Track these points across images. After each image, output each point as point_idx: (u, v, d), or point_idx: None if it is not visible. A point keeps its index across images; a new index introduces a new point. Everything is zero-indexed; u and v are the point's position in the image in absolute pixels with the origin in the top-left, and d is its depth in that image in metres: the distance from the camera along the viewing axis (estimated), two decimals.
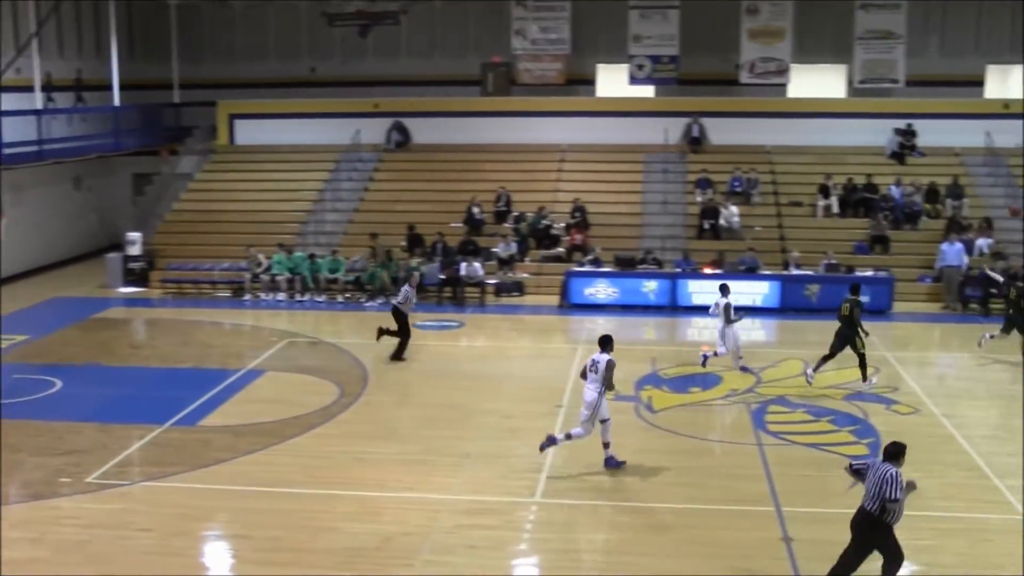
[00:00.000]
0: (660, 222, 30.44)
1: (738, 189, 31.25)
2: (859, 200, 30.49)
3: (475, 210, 30.57)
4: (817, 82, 35.04)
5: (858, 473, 11.02)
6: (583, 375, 15.14)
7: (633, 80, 34.56)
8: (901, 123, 32.58)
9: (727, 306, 20.31)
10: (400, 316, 21.75)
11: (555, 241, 29.91)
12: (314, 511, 13.62)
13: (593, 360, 14.92)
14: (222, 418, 17.77)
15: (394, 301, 22.34)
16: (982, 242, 28.43)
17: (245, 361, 21.66)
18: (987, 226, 29.08)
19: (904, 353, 21.30)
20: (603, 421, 14.98)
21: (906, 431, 16.94)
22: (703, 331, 25.52)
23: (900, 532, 12.45)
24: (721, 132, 33.65)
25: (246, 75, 36.61)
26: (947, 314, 26.48)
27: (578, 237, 29.63)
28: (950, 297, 27.09)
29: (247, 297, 28.51)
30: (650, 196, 31.55)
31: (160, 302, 28.53)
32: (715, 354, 20.52)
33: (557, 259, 29.30)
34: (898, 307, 26.03)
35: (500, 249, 29.23)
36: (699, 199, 31.03)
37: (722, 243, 29.37)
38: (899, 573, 11.05)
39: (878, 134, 32.69)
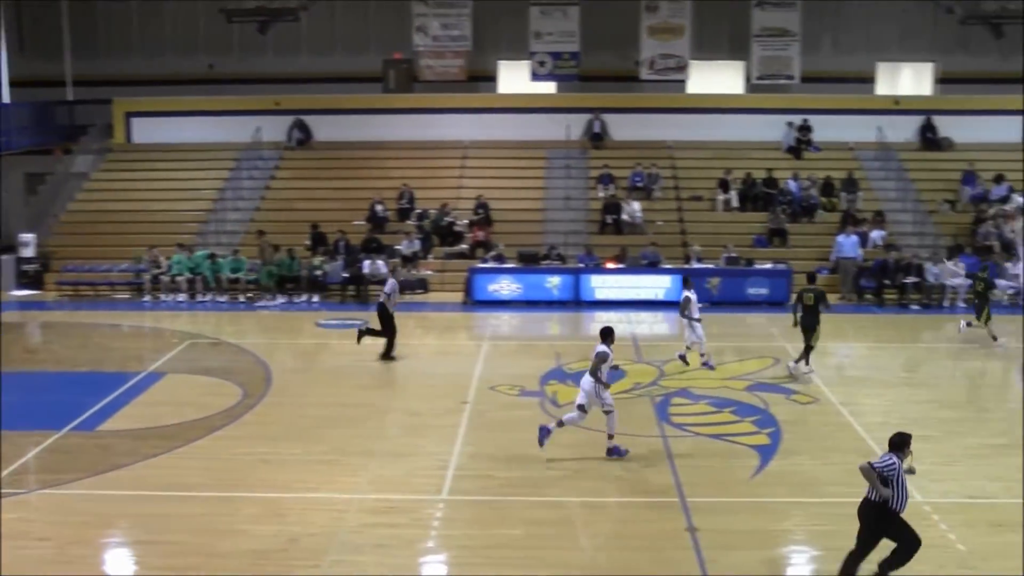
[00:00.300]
0: (563, 218, 30.65)
1: (639, 184, 31.61)
2: (758, 194, 31.10)
3: (378, 207, 30.43)
4: (715, 78, 35.62)
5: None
6: None
7: (535, 76, 34.76)
8: (797, 118, 33.32)
9: (685, 299, 20.53)
10: (385, 313, 21.33)
11: (458, 238, 29.93)
12: (218, 514, 13.42)
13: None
14: (122, 422, 17.40)
15: (380, 297, 21.67)
16: (876, 234, 29.27)
17: (145, 363, 21.25)
18: (880, 219, 29.91)
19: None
20: (606, 412, 15.29)
21: (806, 420, 17.42)
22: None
23: (806, 518, 12.92)
24: (622, 128, 34.02)
25: (142, 71, 35.88)
26: (843, 304, 27.08)
27: (481, 234, 29.71)
28: (846, 288, 27.79)
29: (147, 298, 28.02)
30: (552, 192, 31.76)
31: (56, 304, 27.87)
32: (703, 355, 20.62)
33: (461, 256, 29.33)
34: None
35: (403, 246, 29.15)
36: (601, 194, 31.33)
37: (624, 238, 29.68)
38: (799, 559, 11.31)
39: (775, 129, 33.41)
